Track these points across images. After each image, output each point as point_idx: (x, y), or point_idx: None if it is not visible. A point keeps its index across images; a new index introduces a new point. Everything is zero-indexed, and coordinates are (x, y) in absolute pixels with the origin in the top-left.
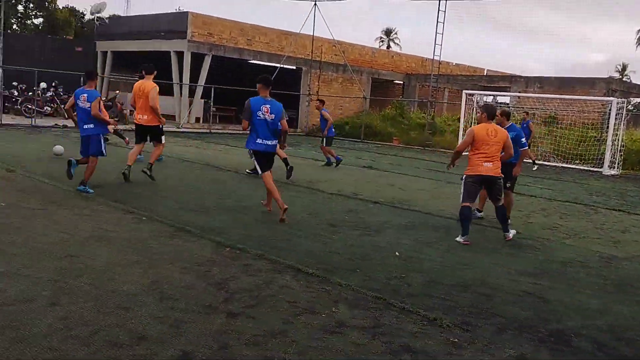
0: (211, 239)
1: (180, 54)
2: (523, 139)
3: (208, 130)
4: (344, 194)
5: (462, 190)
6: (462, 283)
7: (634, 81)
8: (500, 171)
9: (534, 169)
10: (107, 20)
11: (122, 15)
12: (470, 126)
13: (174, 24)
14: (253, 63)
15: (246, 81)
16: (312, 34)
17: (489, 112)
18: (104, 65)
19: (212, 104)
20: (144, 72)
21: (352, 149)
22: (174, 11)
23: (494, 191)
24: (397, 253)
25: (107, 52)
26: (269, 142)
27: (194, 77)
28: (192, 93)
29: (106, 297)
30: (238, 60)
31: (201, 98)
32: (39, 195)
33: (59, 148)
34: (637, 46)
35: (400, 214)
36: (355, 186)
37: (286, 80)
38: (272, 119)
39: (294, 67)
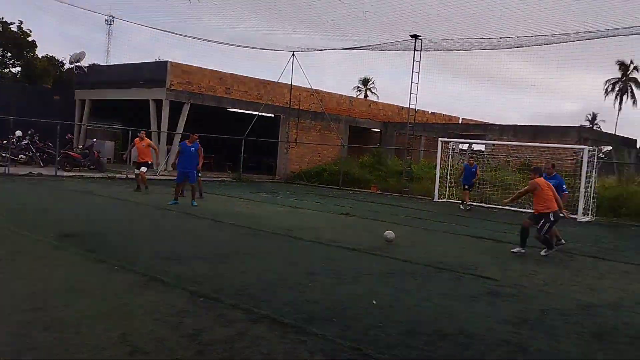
0: (185, 289)
1: (159, 102)
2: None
3: None
4: (321, 242)
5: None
6: (441, 332)
7: (604, 130)
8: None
9: (461, 208)
10: (86, 69)
11: (101, 64)
12: (446, 172)
13: (154, 73)
14: (231, 111)
15: (225, 129)
16: (290, 83)
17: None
18: (82, 113)
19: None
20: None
21: (330, 195)
22: (154, 60)
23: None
24: (374, 302)
25: (85, 100)
26: None
27: (173, 125)
28: (170, 141)
29: (73, 352)
30: (217, 109)
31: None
32: (9, 245)
33: (390, 234)
34: (605, 96)
35: (379, 261)
36: (333, 233)
37: (265, 128)
38: None
39: (272, 115)
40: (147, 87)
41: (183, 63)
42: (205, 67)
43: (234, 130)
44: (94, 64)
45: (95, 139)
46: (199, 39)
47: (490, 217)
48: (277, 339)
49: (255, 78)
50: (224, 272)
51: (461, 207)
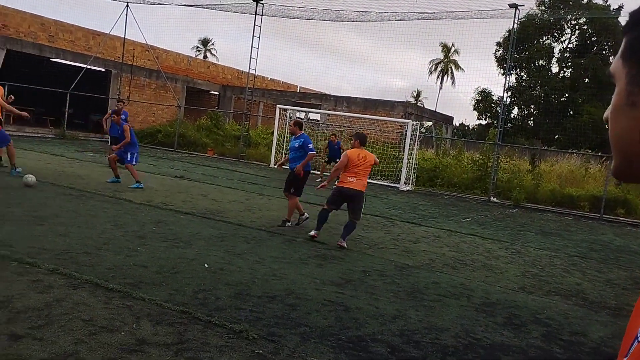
0: None
1: None
2: (310, 145)
3: None
4: (153, 204)
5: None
6: (270, 294)
7: (426, 106)
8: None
9: (336, 183)
10: None
11: None
12: (284, 139)
13: None
14: (56, 62)
15: (48, 81)
16: (123, 36)
17: (361, 139)
18: None
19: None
20: None
21: (165, 158)
22: None
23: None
24: (206, 265)
25: None
26: None
27: None
28: None
29: None
30: (38, 57)
31: None
32: None
33: (31, 178)
34: (429, 75)
35: (212, 225)
36: (165, 196)
37: (94, 82)
38: None
39: (103, 70)
40: None
41: None
42: (25, 11)
43: (58, 83)
44: None
45: None
46: None
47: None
48: (100, 304)
49: (83, 27)
50: (41, 235)
51: (318, 180)
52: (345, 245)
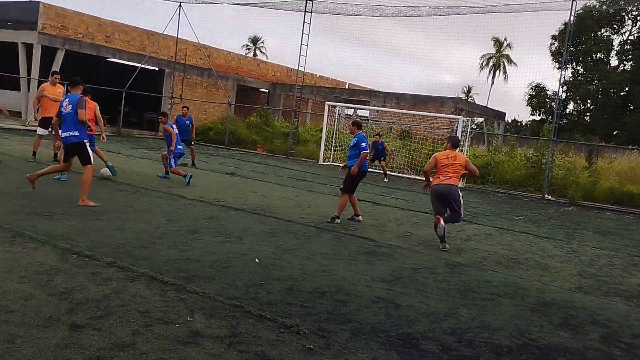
0: (56, 246)
1: (29, 47)
2: (363, 144)
3: None
4: (205, 200)
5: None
6: (320, 290)
7: (477, 102)
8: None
9: (385, 180)
10: None
11: None
12: (333, 136)
13: (23, 14)
14: (112, 61)
15: (104, 79)
16: (176, 35)
17: (453, 142)
18: None
19: None
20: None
21: (216, 155)
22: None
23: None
24: (257, 260)
25: None
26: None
27: (45, 73)
28: None
29: None
30: (95, 57)
31: None
32: None
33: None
34: (480, 71)
35: (262, 221)
36: (217, 192)
37: (148, 81)
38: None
39: (157, 69)
40: (15, 28)
41: (57, 5)
42: (83, 12)
43: (114, 82)
44: None
45: None
46: None
47: (370, 181)
48: (156, 297)
49: (138, 28)
50: (100, 229)
51: (385, 180)
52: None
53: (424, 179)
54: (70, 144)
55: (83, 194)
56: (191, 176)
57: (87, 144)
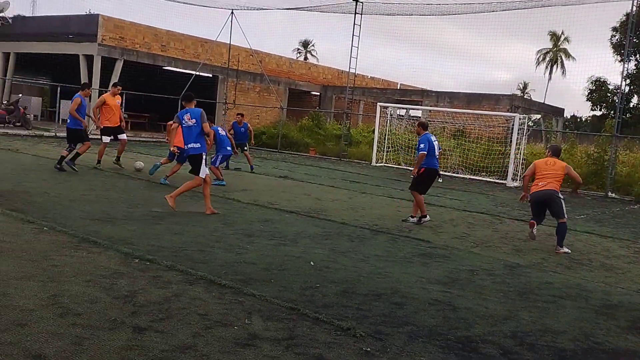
0: (118, 250)
1: (89, 58)
2: (422, 145)
3: None
4: (259, 204)
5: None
6: (376, 292)
7: (534, 99)
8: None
9: (439, 181)
10: (10, 20)
11: (27, 15)
12: (385, 137)
13: (84, 27)
14: (167, 70)
15: (160, 87)
16: (229, 42)
17: (554, 151)
18: (6, 66)
19: (123, 110)
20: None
21: (269, 158)
22: (84, 13)
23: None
24: (312, 263)
25: (9, 53)
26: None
27: (105, 83)
28: None
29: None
30: (151, 66)
31: None
32: None
33: (139, 164)
34: (536, 66)
35: (316, 223)
36: (271, 196)
37: (202, 88)
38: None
39: (210, 75)
40: (76, 41)
41: (115, 17)
42: (140, 23)
43: (170, 89)
44: (18, 15)
45: (20, 95)
46: None
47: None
48: (214, 300)
49: (192, 36)
50: (159, 233)
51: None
52: (567, 250)
53: (521, 186)
54: (191, 155)
55: (206, 202)
56: (223, 183)
57: (204, 157)
